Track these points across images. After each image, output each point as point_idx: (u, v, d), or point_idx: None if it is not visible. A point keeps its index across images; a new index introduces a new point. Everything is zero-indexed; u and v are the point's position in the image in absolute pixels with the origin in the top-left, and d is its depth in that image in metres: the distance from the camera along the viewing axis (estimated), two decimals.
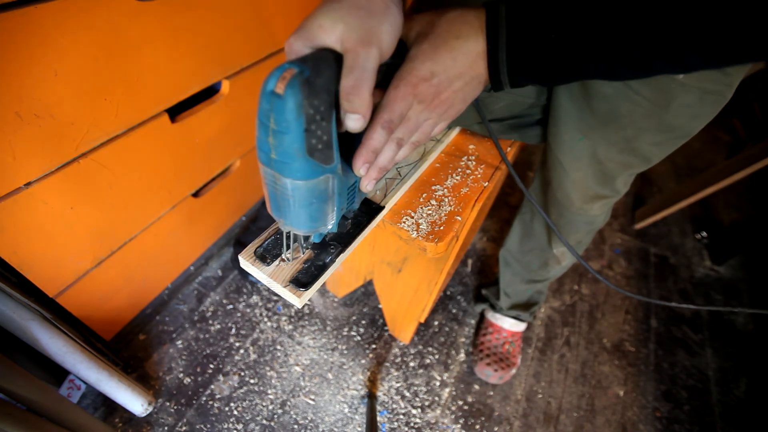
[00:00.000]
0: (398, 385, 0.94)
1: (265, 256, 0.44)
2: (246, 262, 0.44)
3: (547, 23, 0.31)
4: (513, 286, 0.94)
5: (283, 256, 0.43)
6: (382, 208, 0.51)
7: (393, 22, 0.31)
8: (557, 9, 0.31)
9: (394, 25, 0.31)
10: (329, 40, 0.30)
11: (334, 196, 0.35)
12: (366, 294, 1.09)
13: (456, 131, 0.68)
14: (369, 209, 0.51)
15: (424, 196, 0.59)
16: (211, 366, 0.91)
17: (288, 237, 0.42)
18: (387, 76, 0.35)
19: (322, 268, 0.43)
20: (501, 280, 0.96)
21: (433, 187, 0.60)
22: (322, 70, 0.28)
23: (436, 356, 1.00)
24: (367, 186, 0.38)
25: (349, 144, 0.36)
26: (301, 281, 0.42)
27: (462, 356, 1.02)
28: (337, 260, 0.44)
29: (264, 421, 0.85)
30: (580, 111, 0.56)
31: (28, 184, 0.56)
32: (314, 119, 0.27)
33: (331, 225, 0.38)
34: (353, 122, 0.31)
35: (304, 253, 0.45)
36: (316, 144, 0.29)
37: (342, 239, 0.46)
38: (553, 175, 0.68)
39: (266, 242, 0.45)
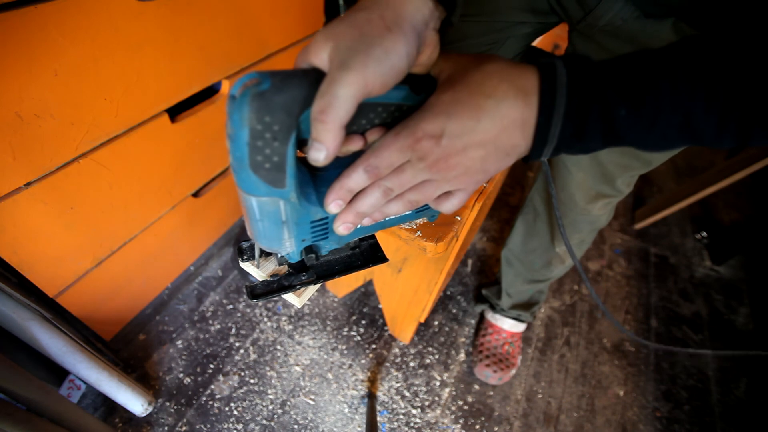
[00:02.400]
0: (398, 385, 0.94)
1: (243, 252, 0.43)
2: (245, 262, 0.44)
3: (616, 94, 0.25)
4: (515, 286, 0.94)
5: (255, 262, 0.43)
6: (386, 259, 0.46)
7: (390, 49, 0.26)
8: (627, 77, 0.25)
9: (392, 54, 0.26)
10: (317, 60, 0.27)
11: (290, 224, 0.33)
12: (366, 294, 1.09)
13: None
14: (372, 255, 0.46)
15: None
16: (211, 366, 0.91)
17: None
18: (398, 113, 0.31)
19: (282, 289, 0.42)
20: (503, 280, 0.96)
21: None
22: (287, 87, 0.26)
23: (436, 356, 1.00)
24: (339, 228, 0.33)
25: (325, 177, 0.33)
26: (255, 292, 0.41)
27: (462, 356, 1.02)
28: (301, 287, 0.43)
29: (264, 421, 0.85)
30: None
31: (28, 184, 0.56)
32: (263, 136, 0.26)
33: (288, 251, 0.36)
34: (315, 152, 0.27)
35: (279, 266, 0.43)
36: (263, 162, 0.27)
37: (322, 271, 0.44)
38: (557, 176, 0.68)
39: (252, 242, 0.44)
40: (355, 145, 0.31)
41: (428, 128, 0.27)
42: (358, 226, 0.34)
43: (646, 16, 0.46)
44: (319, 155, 0.27)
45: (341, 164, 0.31)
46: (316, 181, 0.34)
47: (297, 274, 0.43)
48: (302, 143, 0.30)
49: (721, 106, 0.25)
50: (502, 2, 0.55)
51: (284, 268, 0.44)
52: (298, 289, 0.42)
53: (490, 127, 0.27)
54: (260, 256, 0.42)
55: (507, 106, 0.27)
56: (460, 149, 0.28)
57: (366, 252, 0.46)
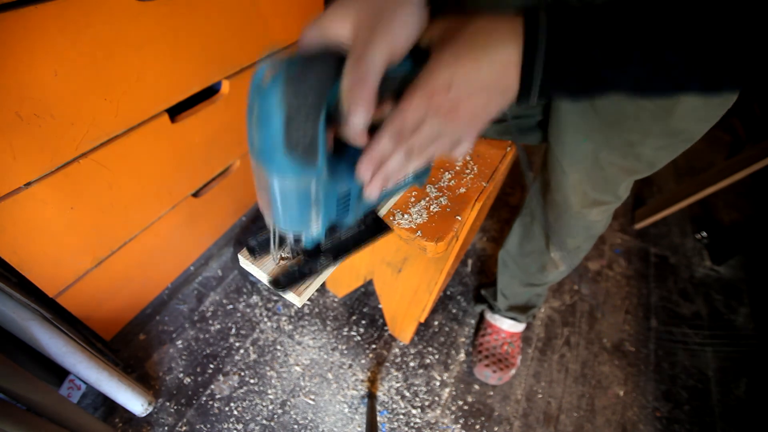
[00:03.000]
0: (398, 385, 0.94)
1: (254, 250, 0.44)
2: (246, 261, 0.44)
3: (591, 35, 0.28)
4: (511, 288, 0.94)
5: (271, 253, 0.43)
6: (390, 229, 0.50)
7: (409, 15, 0.29)
8: (602, 20, 0.28)
9: (411, 20, 0.29)
10: (340, 32, 0.29)
11: (319, 202, 0.34)
12: (366, 294, 1.09)
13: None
14: (377, 227, 0.49)
15: (424, 196, 0.59)
16: (211, 366, 0.91)
17: (275, 234, 0.41)
18: (402, 86, 0.32)
19: (306, 276, 0.43)
20: (499, 280, 0.96)
21: (434, 186, 0.60)
22: (313, 68, 0.28)
23: (436, 356, 1.00)
24: (372, 193, 0.36)
25: (347, 152, 0.35)
26: (281, 283, 0.42)
27: (462, 356, 1.02)
28: (324, 272, 0.44)
29: (264, 421, 0.85)
30: (583, 112, 0.55)
31: (28, 184, 0.56)
32: (297, 116, 0.27)
33: (315, 231, 0.37)
34: (355, 117, 0.28)
35: (294, 256, 0.44)
36: (297, 143, 0.28)
37: (337, 251, 0.45)
38: (552, 177, 0.67)
39: (261, 238, 0.45)
40: (385, 111, 0.33)
41: (437, 83, 0.30)
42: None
43: None
44: (360, 119, 0.29)
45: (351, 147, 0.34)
46: (336, 159, 0.35)
47: (315, 259, 0.44)
48: (330, 120, 0.31)
49: (688, 51, 0.27)
50: None
51: (285, 264, 0.44)
52: (321, 273, 0.43)
53: (490, 72, 0.30)
54: (277, 247, 0.42)
55: (501, 51, 0.29)
56: (466, 97, 0.30)
57: (371, 226, 0.49)
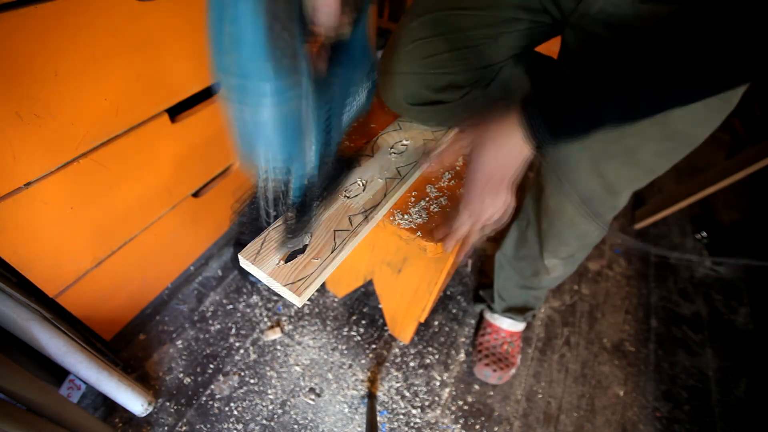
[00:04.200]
0: (398, 385, 0.94)
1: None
2: (246, 261, 0.44)
3: (574, 101, 0.39)
4: (507, 290, 0.94)
5: (262, 214, 0.42)
6: (355, 160, 0.53)
7: None
8: (580, 87, 0.39)
9: None
10: None
11: (308, 122, 0.34)
12: (366, 294, 1.09)
13: (455, 131, 0.68)
14: (344, 162, 0.52)
15: (425, 196, 0.59)
16: (211, 366, 0.91)
17: (266, 198, 0.41)
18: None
19: (307, 223, 0.44)
20: (495, 282, 0.96)
21: (434, 187, 0.60)
22: None
23: (436, 356, 1.00)
24: (447, 248, 0.53)
25: (340, 56, 0.37)
26: (290, 230, 0.42)
27: (462, 356, 1.02)
28: (315, 218, 0.44)
29: (264, 421, 0.85)
30: None
31: (28, 184, 0.56)
32: (273, 26, 0.26)
33: (308, 164, 0.37)
34: (322, 16, 0.32)
35: (288, 215, 0.44)
36: (279, 53, 0.28)
37: (323, 194, 0.47)
38: (547, 183, 0.67)
39: (246, 209, 0.44)
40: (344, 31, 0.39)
41: (487, 171, 0.45)
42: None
43: (641, 1, 0.45)
44: (328, 17, 0.32)
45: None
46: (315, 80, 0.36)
47: (307, 211, 0.44)
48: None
49: (654, 92, 0.36)
50: None
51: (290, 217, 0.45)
52: (313, 216, 0.45)
53: (514, 151, 0.43)
54: (269, 207, 0.42)
55: (516, 137, 0.42)
56: (504, 171, 0.45)
57: (336, 165, 0.50)
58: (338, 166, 0.50)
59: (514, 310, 0.97)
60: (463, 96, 0.63)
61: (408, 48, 0.59)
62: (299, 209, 0.44)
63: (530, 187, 0.78)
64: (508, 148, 0.43)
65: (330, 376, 0.93)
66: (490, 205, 0.47)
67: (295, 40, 0.28)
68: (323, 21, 0.33)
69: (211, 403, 0.85)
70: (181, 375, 0.88)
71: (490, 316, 1.02)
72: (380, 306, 1.05)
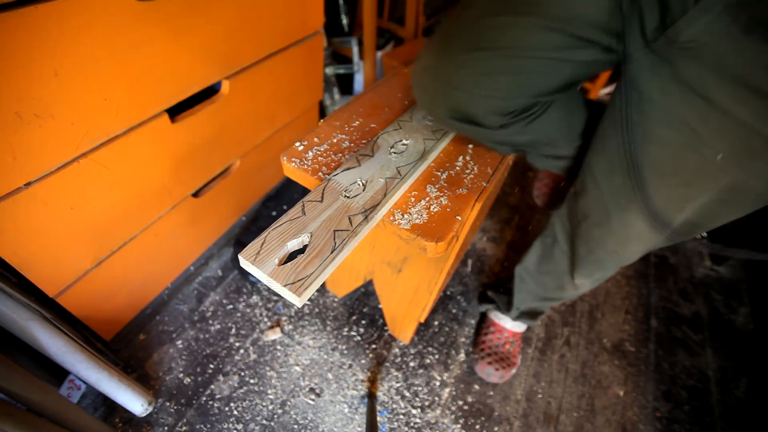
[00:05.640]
0: (398, 385, 0.94)
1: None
2: (246, 261, 0.44)
3: None
4: (527, 303, 0.92)
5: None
6: None
7: None
8: None
9: None
10: None
11: None
12: (366, 294, 1.09)
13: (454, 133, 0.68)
14: None
15: (425, 196, 0.59)
16: (211, 366, 0.91)
17: None
18: None
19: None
20: (516, 296, 0.93)
21: (434, 186, 0.60)
22: None
23: (436, 356, 1.00)
24: None
25: None
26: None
27: (462, 356, 1.02)
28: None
29: (264, 421, 0.85)
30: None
31: (28, 184, 0.56)
32: None
33: None
34: None
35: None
36: None
37: None
38: (593, 213, 0.62)
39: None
40: None
41: None
42: None
43: (746, 32, 0.37)
44: None
45: None
46: None
47: None
48: None
49: None
50: (574, 9, 0.45)
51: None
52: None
53: None
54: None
55: None
56: None
57: None
58: None
59: (527, 315, 0.96)
60: (504, 125, 0.56)
61: (467, 57, 0.49)
62: None
63: (561, 207, 0.74)
64: None
65: (330, 376, 0.93)
66: None
67: None
68: None
69: (211, 403, 0.85)
70: (181, 375, 0.88)
71: (494, 316, 1.02)
72: (380, 306, 1.05)
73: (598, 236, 0.63)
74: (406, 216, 0.55)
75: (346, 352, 0.97)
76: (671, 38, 0.42)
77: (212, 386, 0.88)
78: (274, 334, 0.97)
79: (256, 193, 1.15)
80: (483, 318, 1.07)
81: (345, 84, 1.51)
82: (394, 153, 0.62)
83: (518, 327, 1.00)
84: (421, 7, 1.46)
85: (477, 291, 1.15)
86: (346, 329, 1.01)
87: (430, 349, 1.01)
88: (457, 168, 0.64)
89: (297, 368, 0.93)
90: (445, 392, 0.95)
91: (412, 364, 0.98)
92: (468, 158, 0.66)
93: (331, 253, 0.46)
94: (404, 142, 0.64)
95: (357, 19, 1.45)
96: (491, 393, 0.97)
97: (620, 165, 0.53)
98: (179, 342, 0.93)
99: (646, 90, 0.47)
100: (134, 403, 0.77)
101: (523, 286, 0.91)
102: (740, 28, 0.37)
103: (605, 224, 0.60)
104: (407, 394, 0.93)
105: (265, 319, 1.00)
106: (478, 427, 0.91)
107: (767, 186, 0.45)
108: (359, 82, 1.47)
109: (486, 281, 1.17)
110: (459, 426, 0.90)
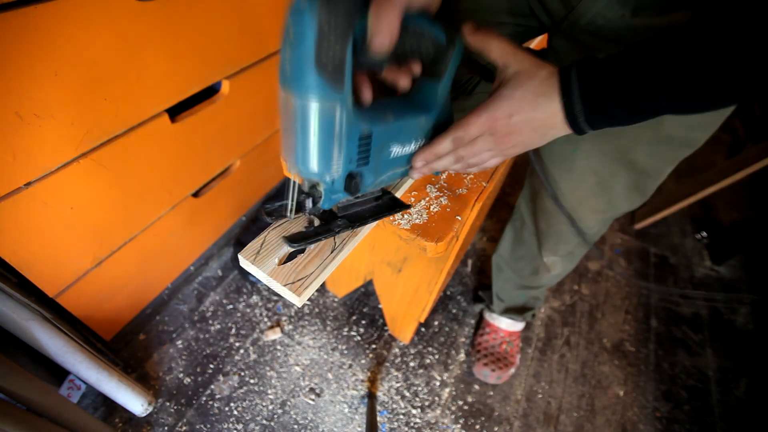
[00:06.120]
0: (398, 385, 0.94)
1: (272, 213, 0.43)
2: (246, 261, 0.44)
3: (617, 80, 0.34)
4: (506, 291, 0.94)
5: (287, 212, 0.42)
6: (409, 205, 0.51)
7: None
8: (622, 67, 0.34)
9: None
10: None
11: (342, 137, 0.36)
12: (366, 294, 1.09)
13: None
14: (394, 203, 0.51)
15: (425, 196, 0.59)
16: (211, 366, 0.91)
17: (293, 191, 0.41)
18: (432, 49, 0.39)
19: (320, 234, 0.44)
20: (494, 284, 0.96)
21: (434, 187, 0.60)
22: None
23: (436, 356, 1.00)
24: (414, 175, 0.46)
25: (371, 106, 0.39)
26: (293, 238, 0.43)
27: (462, 356, 1.02)
28: (338, 231, 0.44)
29: (264, 421, 0.85)
30: None
31: (28, 184, 0.56)
32: (328, 36, 0.30)
33: (336, 174, 0.38)
34: (379, 38, 0.33)
35: (309, 217, 0.45)
36: (327, 62, 0.31)
37: (353, 219, 0.46)
38: (543, 187, 0.67)
39: (278, 203, 0.44)
40: (403, 80, 0.41)
41: (504, 111, 0.38)
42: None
43: (634, 15, 0.44)
44: (384, 40, 0.33)
45: (378, 99, 0.40)
46: (360, 107, 0.38)
47: (331, 222, 0.45)
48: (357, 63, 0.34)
49: (696, 100, 0.33)
50: (482, 2, 0.55)
51: (312, 220, 0.45)
52: (334, 234, 0.45)
53: (543, 114, 0.38)
54: (293, 211, 0.42)
55: (552, 102, 0.37)
56: (520, 128, 0.39)
57: (388, 202, 0.51)
58: (377, 207, 0.49)
59: (513, 311, 0.97)
60: (460, 91, 0.63)
61: None
62: (323, 220, 0.45)
63: (522, 189, 0.78)
64: (542, 110, 0.37)
65: (330, 376, 0.93)
66: (482, 145, 0.40)
67: (345, 53, 0.31)
68: (378, 43, 0.33)
69: (211, 403, 0.85)
70: (181, 375, 0.88)
71: (489, 316, 1.02)
72: (380, 306, 1.05)
73: (552, 208, 0.67)
74: (406, 216, 0.55)
75: (346, 352, 0.97)
76: (573, 21, 0.49)
77: (212, 386, 0.88)
78: (274, 334, 0.97)
79: (256, 193, 1.15)
80: (480, 319, 1.07)
81: None
82: None
83: (514, 326, 1.00)
84: None
85: (476, 291, 1.15)
86: (346, 329, 1.01)
87: (430, 349, 1.01)
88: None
89: (297, 368, 0.93)
90: (445, 392, 0.95)
91: (412, 364, 0.98)
92: None
93: (331, 253, 0.46)
94: None
95: None
96: (491, 393, 0.97)
97: None
98: (179, 342, 0.93)
99: (567, 61, 0.53)
100: (134, 403, 0.77)
101: (500, 275, 0.92)
102: (629, 11, 0.44)
103: (556, 192, 0.64)
104: (407, 394, 0.93)
105: (265, 319, 1.00)
106: (478, 427, 0.91)
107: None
108: None
109: (486, 281, 1.17)
110: (459, 426, 0.90)
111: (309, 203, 0.41)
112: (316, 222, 0.46)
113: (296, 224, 0.46)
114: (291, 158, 0.36)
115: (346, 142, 0.36)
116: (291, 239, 0.43)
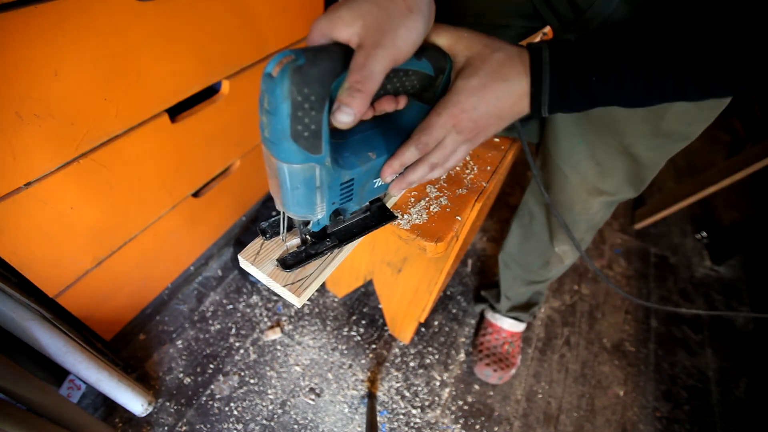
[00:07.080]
0: (398, 385, 0.94)
1: (266, 231, 0.45)
2: (246, 261, 0.44)
3: (587, 67, 0.34)
4: (514, 289, 0.94)
5: (281, 236, 0.44)
6: (396, 217, 0.51)
7: (413, 28, 0.32)
8: (596, 53, 0.33)
9: (414, 31, 0.32)
10: (345, 35, 0.30)
11: (324, 188, 0.36)
12: (366, 294, 1.09)
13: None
14: (382, 215, 0.51)
15: (424, 196, 0.59)
16: (211, 366, 0.91)
17: (285, 218, 0.43)
18: (418, 82, 0.37)
19: (312, 256, 0.44)
20: (502, 283, 0.96)
21: (434, 187, 0.60)
22: (320, 61, 0.29)
23: (436, 356, 1.00)
24: (393, 191, 0.43)
25: (350, 141, 0.38)
26: (287, 263, 0.43)
27: (462, 356, 1.02)
28: (328, 253, 0.45)
29: (264, 421, 0.85)
30: (576, 117, 0.57)
31: (28, 184, 0.56)
32: (302, 106, 0.29)
33: (320, 215, 0.39)
34: (345, 116, 0.30)
35: (302, 240, 0.45)
36: (302, 131, 0.30)
37: (343, 235, 0.47)
38: (554, 180, 0.68)
39: (272, 219, 0.46)
40: (389, 106, 0.38)
41: (464, 107, 0.35)
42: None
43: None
44: (348, 118, 0.31)
45: (360, 130, 0.39)
46: (339, 147, 0.38)
47: (320, 242, 0.45)
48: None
49: (674, 71, 0.32)
50: (488, 5, 0.55)
51: (304, 240, 0.46)
52: (326, 255, 0.45)
53: (507, 101, 0.36)
54: (285, 231, 0.44)
55: (516, 84, 0.35)
56: (485, 119, 0.36)
57: (376, 213, 0.51)
58: (366, 219, 0.50)
59: (519, 308, 0.97)
60: None
61: None
62: (314, 239, 0.45)
63: (529, 185, 0.80)
64: (506, 95, 0.35)
65: (330, 376, 0.93)
66: (451, 145, 0.37)
67: (321, 121, 0.31)
68: (342, 121, 0.31)
69: (211, 403, 0.85)
70: (181, 375, 0.88)
71: (491, 316, 1.02)
72: (380, 306, 1.05)
73: (564, 201, 0.69)
74: (405, 216, 0.55)
75: (346, 352, 0.97)
76: (582, 26, 0.49)
77: (212, 386, 0.88)
78: (274, 334, 0.97)
79: (256, 193, 1.15)
80: (481, 319, 1.07)
81: None
82: None
83: (516, 326, 1.00)
84: None
85: (476, 291, 1.15)
86: (346, 329, 1.01)
87: (430, 349, 1.01)
88: (457, 168, 0.64)
89: (297, 368, 0.93)
90: (445, 392, 0.95)
91: (412, 364, 0.98)
92: (468, 158, 0.66)
93: (330, 254, 0.46)
94: None
95: None
96: (491, 393, 0.97)
97: (564, 125, 0.60)
98: (179, 342, 0.93)
99: None
100: (134, 403, 0.77)
101: (507, 273, 0.93)
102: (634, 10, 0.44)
103: (567, 187, 0.66)
104: (407, 394, 0.93)
105: (265, 319, 1.00)
106: (478, 427, 0.91)
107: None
108: None
109: (486, 281, 1.17)
110: (459, 426, 0.90)
111: (300, 225, 0.43)
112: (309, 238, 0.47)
113: (291, 235, 0.47)
114: (278, 200, 0.37)
115: (327, 191, 0.37)
116: (285, 264, 0.43)
